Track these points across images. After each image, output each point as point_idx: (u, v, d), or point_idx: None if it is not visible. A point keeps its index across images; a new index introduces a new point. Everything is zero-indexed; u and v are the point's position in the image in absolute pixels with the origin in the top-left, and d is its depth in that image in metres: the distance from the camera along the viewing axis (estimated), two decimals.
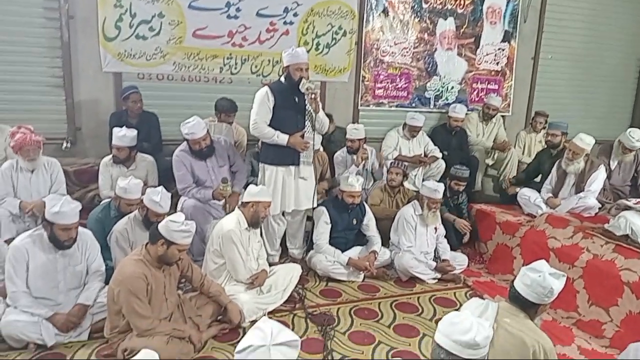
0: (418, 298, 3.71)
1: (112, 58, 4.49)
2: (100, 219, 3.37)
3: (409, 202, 4.24)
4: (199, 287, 2.97)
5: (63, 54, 4.42)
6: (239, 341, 2.85)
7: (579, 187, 4.35)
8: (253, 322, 3.08)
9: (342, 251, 3.90)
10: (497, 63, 5.92)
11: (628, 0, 6.48)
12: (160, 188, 3.19)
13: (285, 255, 4.11)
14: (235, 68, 4.90)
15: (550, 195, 4.48)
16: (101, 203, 3.62)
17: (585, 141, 4.28)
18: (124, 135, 3.85)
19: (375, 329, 3.21)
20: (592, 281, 3.51)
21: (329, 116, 5.00)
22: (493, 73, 5.92)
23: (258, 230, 3.41)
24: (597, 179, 4.32)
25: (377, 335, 3.13)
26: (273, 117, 3.63)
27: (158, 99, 4.69)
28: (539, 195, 4.53)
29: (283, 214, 3.89)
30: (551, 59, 6.21)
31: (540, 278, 2.13)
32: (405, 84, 5.53)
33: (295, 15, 4.93)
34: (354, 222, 4.04)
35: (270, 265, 3.56)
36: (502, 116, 5.87)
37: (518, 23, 5.90)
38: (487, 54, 5.84)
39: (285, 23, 4.91)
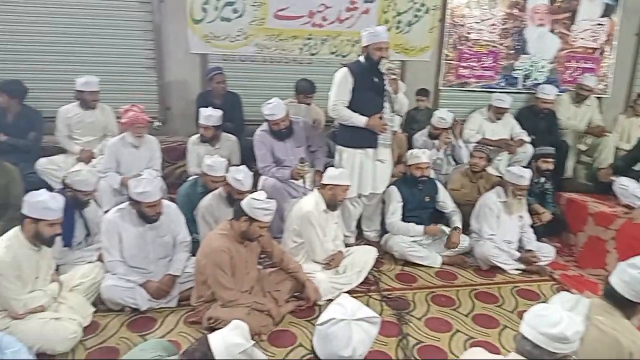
0: (499, 288, 3.56)
1: (198, 40, 4.67)
2: (188, 194, 3.57)
3: (492, 188, 4.04)
4: (279, 262, 3.06)
5: (155, 37, 4.68)
6: (315, 318, 2.97)
7: None
8: (329, 300, 3.14)
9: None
10: (595, 40, 5.44)
11: None
12: (243, 167, 3.31)
13: (360, 238, 4.11)
14: (315, 49, 4.91)
15: None
16: (189, 179, 3.85)
17: None
18: (209, 115, 4.02)
19: (453, 317, 3.13)
20: None
21: (425, 92, 4.91)
22: (590, 51, 5.45)
23: (336, 212, 3.43)
24: None
25: (454, 324, 3.06)
26: (352, 98, 3.59)
27: (240, 79, 4.84)
28: (638, 184, 4.14)
29: (360, 196, 3.87)
30: None
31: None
32: (491, 63, 5.25)
33: None
34: (427, 199, 3.95)
35: (347, 246, 3.58)
36: (598, 98, 5.41)
37: None
38: (584, 30, 5.37)
39: (365, 1, 4.83)
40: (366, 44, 3.53)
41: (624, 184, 4.19)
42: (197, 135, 4.16)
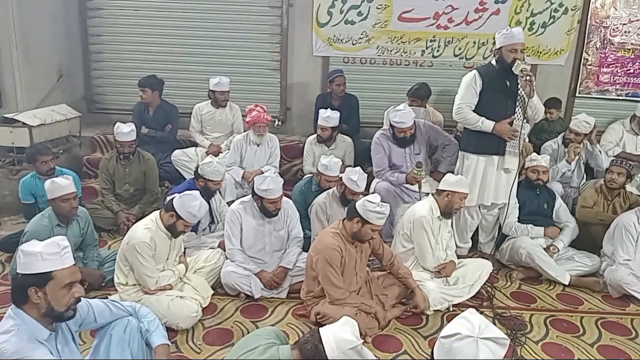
0: (632, 320, 3.16)
1: (322, 43, 4.82)
2: (302, 191, 3.71)
3: (630, 208, 3.61)
4: (389, 266, 3.03)
5: (282, 40, 4.92)
6: (422, 327, 2.92)
7: None
8: (437, 311, 3.05)
9: None
10: None
11: None
12: (358, 169, 3.35)
13: (474, 250, 3.92)
14: (438, 51, 4.79)
15: None
16: (304, 177, 4.00)
17: None
18: (328, 117, 4.12)
19: (575, 345, 2.85)
20: None
21: (556, 102, 4.59)
22: None
23: (450, 221, 3.31)
24: None
25: (576, 352, 2.78)
26: (479, 101, 3.44)
27: (359, 82, 4.89)
28: None
29: (479, 207, 3.70)
30: None
31: None
32: (638, 68, 4.68)
33: None
34: (545, 206, 3.72)
35: (459, 257, 3.44)
36: None
37: None
38: None
39: (496, 2, 4.59)
40: (500, 45, 3.37)
41: None
42: (315, 136, 4.30)
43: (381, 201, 2.77)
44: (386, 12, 4.69)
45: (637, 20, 4.60)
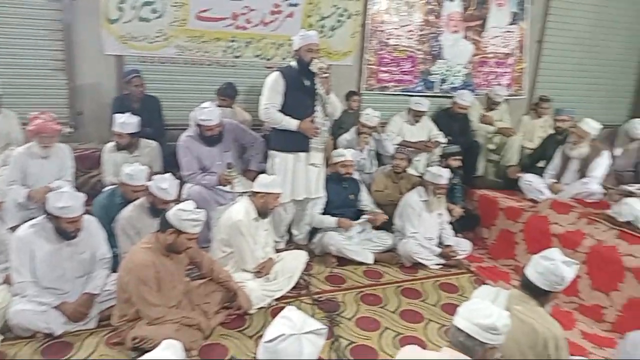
0: (422, 284, 3.74)
1: (114, 41, 4.40)
2: (105, 205, 3.33)
3: (412, 188, 4.23)
4: (209, 273, 2.97)
5: (65, 37, 4.34)
6: (246, 328, 2.95)
7: (583, 173, 4.35)
8: (260, 309, 3.12)
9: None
10: (506, 46, 5.83)
11: None
12: (168, 175, 3.15)
13: (290, 242, 4.11)
14: (239, 51, 4.83)
15: (554, 180, 4.48)
16: (106, 189, 3.61)
17: (591, 125, 4.28)
18: (124, 122, 3.79)
19: (381, 315, 3.24)
20: (594, 267, 3.54)
21: (357, 92, 5.00)
22: (501, 56, 5.85)
23: (267, 219, 3.40)
24: (601, 165, 4.32)
25: (382, 321, 3.16)
26: (285, 101, 3.60)
27: (161, 82, 4.63)
28: (542, 180, 4.53)
29: (293, 202, 3.87)
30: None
31: (552, 266, 2.14)
32: (410, 67, 5.47)
33: None
34: (351, 197, 4.08)
35: (277, 251, 3.57)
36: (506, 100, 5.83)
37: (525, 5, 5.80)
38: (495, 37, 5.76)
39: (290, 5, 4.83)
40: (297, 46, 3.57)
41: (528, 180, 4.56)
42: (113, 143, 3.93)
43: (196, 207, 2.69)
44: (183, 11, 4.52)
45: (406, 25, 5.35)
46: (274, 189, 3.26)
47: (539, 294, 2.18)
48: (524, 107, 6.11)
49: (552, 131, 5.09)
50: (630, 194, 4.18)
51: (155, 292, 2.59)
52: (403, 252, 3.96)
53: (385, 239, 4.09)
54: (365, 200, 4.20)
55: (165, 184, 3.04)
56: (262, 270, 3.24)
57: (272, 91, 3.58)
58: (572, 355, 2.43)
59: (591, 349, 3.05)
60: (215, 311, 2.94)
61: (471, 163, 5.03)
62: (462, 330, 1.76)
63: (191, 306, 2.86)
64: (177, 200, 3.07)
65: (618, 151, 4.88)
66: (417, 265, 3.96)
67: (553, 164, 4.55)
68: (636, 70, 6.82)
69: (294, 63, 3.64)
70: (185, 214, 2.57)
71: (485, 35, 5.71)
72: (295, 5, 4.84)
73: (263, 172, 3.62)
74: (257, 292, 3.08)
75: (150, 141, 4.06)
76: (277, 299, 3.23)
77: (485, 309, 1.77)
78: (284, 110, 3.61)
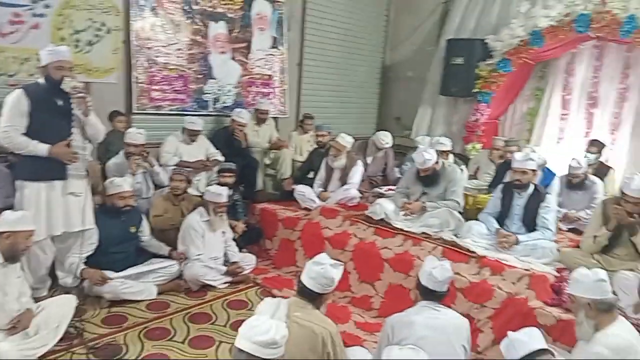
0: (211, 306, 3.69)
1: None
2: None
3: (194, 209, 4.15)
4: None
5: None
6: None
7: (343, 180, 4.98)
8: None
9: (122, 270, 3.63)
10: (269, 68, 6.24)
11: (374, 19, 7.63)
12: None
13: (56, 286, 3.55)
14: None
15: (322, 189, 5.01)
16: None
17: (346, 139, 4.95)
18: None
19: (170, 348, 3.07)
20: (360, 261, 4.06)
21: (121, 113, 4.61)
22: (266, 77, 6.23)
23: (17, 265, 2.85)
24: (357, 172, 5.01)
25: (171, 354, 3.00)
26: (31, 123, 3.10)
27: None
28: (312, 190, 5.00)
29: (51, 239, 3.36)
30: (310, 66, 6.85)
31: (322, 270, 2.35)
32: (182, 86, 5.36)
33: (46, 7, 4.26)
34: (132, 229, 3.80)
35: (37, 301, 3.03)
36: (275, 118, 6.24)
37: (284, 31, 6.32)
38: (259, 59, 6.10)
39: (34, 15, 4.22)
40: (45, 63, 3.14)
41: (301, 191, 4.98)
42: None
43: None
44: None
45: (174, 43, 5.22)
46: (23, 226, 2.77)
47: (313, 298, 2.37)
48: (292, 124, 6.64)
49: (316, 145, 5.65)
50: (382, 195, 4.95)
51: None
52: (189, 276, 3.85)
53: (170, 267, 3.90)
54: (147, 230, 3.95)
55: None
56: (17, 325, 2.70)
57: (13, 112, 3.06)
58: (348, 346, 2.69)
59: (364, 336, 3.45)
60: None
61: (251, 178, 5.22)
62: (243, 351, 1.78)
63: None
64: None
65: (369, 159, 5.71)
66: (205, 288, 3.89)
67: (320, 174, 5.07)
68: (377, 90, 8.11)
69: (42, 80, 3.19)
70: None
71: (252, 57, 6.00)
72: (41, 16, 4.26)
73: (10, 208, 3.06)
74: (12, 353, 2.56)
75: None
76: (42, 356, 2.75)
77: (262, 325, 1.82)
78: (31, 133, 3.11)
